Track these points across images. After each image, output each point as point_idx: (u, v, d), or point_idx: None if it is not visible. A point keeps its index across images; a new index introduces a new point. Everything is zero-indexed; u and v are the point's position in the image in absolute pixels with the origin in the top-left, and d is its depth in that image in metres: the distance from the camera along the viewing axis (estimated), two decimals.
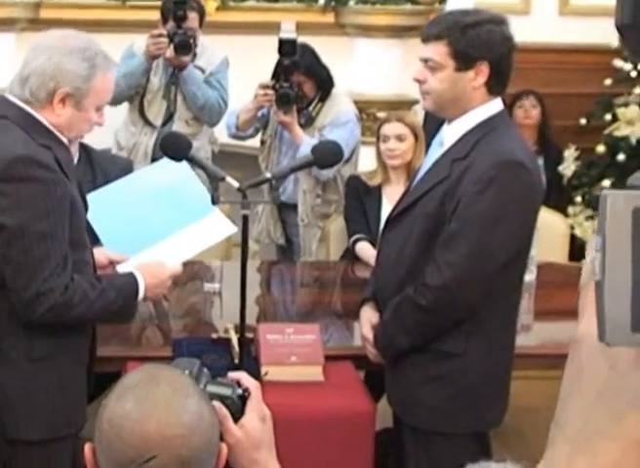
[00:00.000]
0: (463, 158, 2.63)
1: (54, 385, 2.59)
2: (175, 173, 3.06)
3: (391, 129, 4.10)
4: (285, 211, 4.63)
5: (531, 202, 2.69)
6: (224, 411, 1.59)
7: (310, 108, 4.47)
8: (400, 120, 4.13)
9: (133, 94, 4.66)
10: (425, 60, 2.68)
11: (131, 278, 2.68)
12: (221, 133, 4.77)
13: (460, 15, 2.69)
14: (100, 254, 2.82)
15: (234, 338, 2.96)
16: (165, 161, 3.05)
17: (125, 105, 4.78)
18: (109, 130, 4.78)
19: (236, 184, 2.67)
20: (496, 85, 2.67)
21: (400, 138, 4.08)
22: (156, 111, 4.68)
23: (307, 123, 4.44)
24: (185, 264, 2.96)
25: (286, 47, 4.28)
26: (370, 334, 2.86)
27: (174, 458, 1.38)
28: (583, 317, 0.78)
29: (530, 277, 3.63)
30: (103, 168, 3.83)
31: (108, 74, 2.61)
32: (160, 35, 4.51)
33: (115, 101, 4.73)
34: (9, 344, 2.56)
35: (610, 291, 0.71)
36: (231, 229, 3.06)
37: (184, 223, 2.96)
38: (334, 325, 3.55)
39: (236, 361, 2.91)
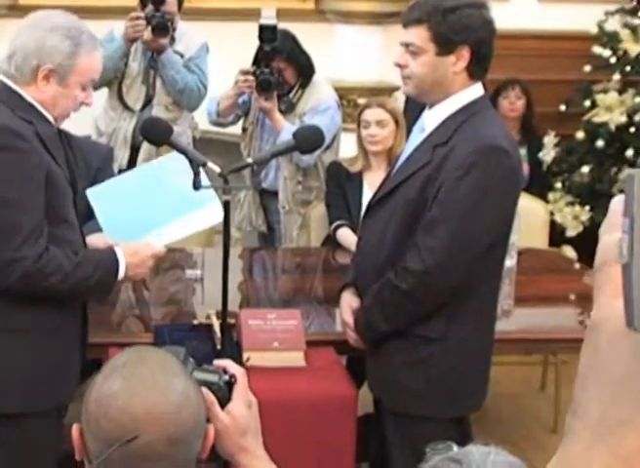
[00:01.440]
0: (445, 143, 2.64)
1: (29, 358, 2.59)
2: (178, 166, 3.07)
3: (372, 114, 4.10)
4: (266, 197, 4.63)
5: (511, 187, 2.70)
6: (212, 397, 1.59)
7: (291, 95, 4.47)
8: (381, 106, 4.13)
9: (112, 78, 4.65)
10: (406, 45, 2.68)
11: (110, 254, 2.68)
12: (202, 119, 4.76)
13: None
14: (100, 241, 2.83)
15: (216, 324, 2.96)
16: (169, 157, 3.07)
17: (104, 91, 4.76)
18: (89, 116, 4.77)
19: (218, 170, 2.66)
20: (476, 69, 2.68)
21: (381, 124, 4.09)
22: (135, 96, 4.68)
23: (288, 110, 4.44)
24: (167, 251, 2.95)
25: (266, 33, 4.27)
26: (350, 319, 2.87)
27: (161, 436, 1.38)
28: (599, 301, 0.74)
29: (510, 262, 3.65)
30: (83, 154, 3.82)
31: (94, 53, 2.62)
32: (138, 18, 4.52)
33: (94, 86, 4.71)
34: None
35: (639, 273, 0.68)
36: (218, 218, 3.06)
37: (184, 212, 2.96)
38: (315, 310, 3.55)
39: (218, 347, 2.91)
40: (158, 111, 4.62)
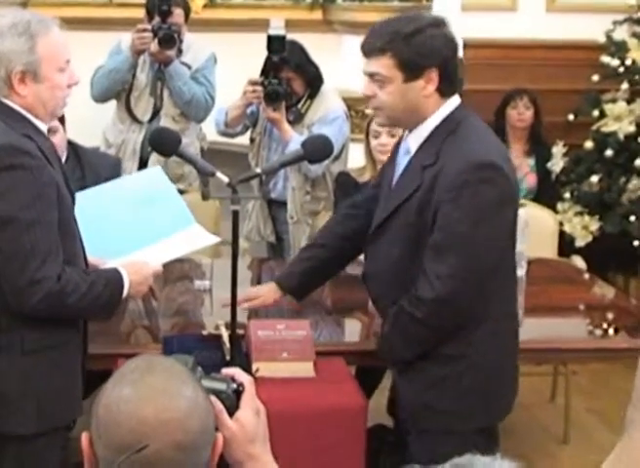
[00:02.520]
0: (433, 164, 2.60)
1: (46, 379, 2.58)
2: (155, 183, 3.07)
3: None
4: (275, 208, 4.63)
5: (506, 199, 2.64)
6: (220, 406, 1.59)
7: (299, 105, 4.47)
8: None
9: (119, 90, 4.66)
10: (371, 75, 2.63)
11: (116, 273, 2.67)
12: (210, 130, 4.76)
13: (400, 23, 2.61)
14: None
15: (225, 335, 2.96)
16: (146, 172, 3.06)
17: (113, 103, 4.77)
18: (98, 128, 4.79)
19: (226, 179, 2.66)
20: (446, 88, 2.62)
21: (392, 134, 4.08)
22: (143, 108, 4.69)
23: (296, 120, 4.44)
24: (175, 262, 2.96)
25: (275, 43, 4.28)
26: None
27: (169, 443, 1.38)
28: None
29: (520, 272, 3.63)
30: (92, 166, 3.84)
31: (50, 34, 2.53)
32: (144, 30, 4.54)
33: (103, 98, 4.74)
34: (1, 338, 2.55)
35: None
36: (213, 239, 3.06)
37: (163, 234, 2.95)
38: (324, 321, 3.55)
39: (227, 357, 2.91)
40: (165, 122, 4.63)
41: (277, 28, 4.31)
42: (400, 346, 2.72)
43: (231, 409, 1.62)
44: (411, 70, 2.57)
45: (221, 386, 1.62)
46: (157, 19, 4.55)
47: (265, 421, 1.67)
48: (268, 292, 3.11)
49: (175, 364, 1.49)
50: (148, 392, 1.41)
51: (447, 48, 2.60)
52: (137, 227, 2.94)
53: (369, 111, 4.44)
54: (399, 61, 2.57)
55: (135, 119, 4.67)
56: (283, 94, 4.29)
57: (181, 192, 4.17)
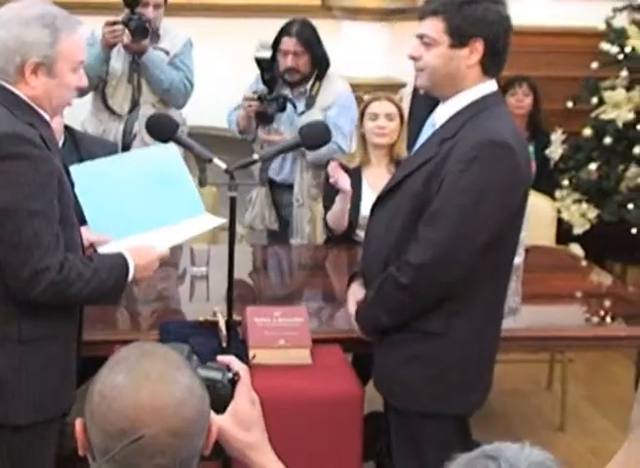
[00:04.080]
0: (451, 138, 2.62)
1: (42, 369, 2.56)
2: (168, 162, 2.99)
3: (381, 107, 4.10)
4: (279, 192, 4.65)
5: (514, 183, 2.64)
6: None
7: (308, 86, 4.53)
8: (389, 99, 4.15)
9: (96, 83, 4.63)
10: (421, 37, 2.66)
11: (121, 259, 2.65)
12: (190, 114, 4.76)
13: None
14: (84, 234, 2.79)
15: (222, 321, 2.95)
16: (160, 148, 3.00)
17: (89, 94, 4.74)
18: (77, 120, 4.73)
19: (224, 166, 2.65)
20: (490, 65, 2.65)
21: (389, 117, 4.10)
22: (121, 97, 4.67)
23: (309, 105, 4.50)
24: (172, 248, 2.94)
25: (263, 64, 4.49)
26: (353, 310, 2.87)
27: (164, 429, 1.37)
28: None
29: (517, 260, 3.62)
30: (89, 150, 3.82)
31: (74, 33, 2.54)
32: (115, 23, 4.49)
33: (78, 93, 4.70)
34: None
35: None
36: (219, 221, 3.01)
37: (171, 220, 2.89)
38: (321, 308, 3.54)
39: (224, 344, 2.90)
40: (145, 110, 4.59)
41: (263, 50, 4.46)
42: (381, 312, 2.72)
43: (227, 399, 1.62)
44: (458, 37, 2.61)
45: (217, 375, 1.62)
46: (126, 11, 4.50)
47: (260, 410, 1.67)
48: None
49: (170, 351, 1.49)
50: (143, 379, 1.40)
51: (498, 24, 2.63)
52: (145, 208, 2.87)
53: (366, 97, 4.43)
54: (448, 26, 2.61)
55: (112, 111, 4.64)
56: (273, 114, 4.47)
57: None
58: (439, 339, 2.67)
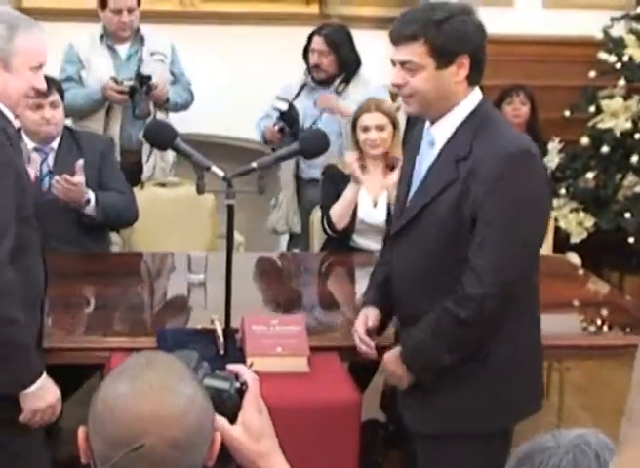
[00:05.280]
0: (466, 157, 2.55)
1: None
2: None
3: (372, 119, 4.13)
4: (309, 187, 4.81)
5: (545, 185, 2.63)
6: (221, 423, 1.58)
7: (334, 86, 4.74)
8: (379, 110, 4.16)
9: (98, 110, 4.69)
10: (402, 63, 2.58)
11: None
12: (188, 122, 4.79)
13: (429, 10, 2.57)
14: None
15: (219, 329, 2.95)
16: None
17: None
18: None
19: (221, 173, 2.65)
20: (475, 75, 2.60)
21: (381, 128, 4.13)
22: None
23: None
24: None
25: (282, 116, 4.66)
26: (361, 328, 2.88)
27: (165, 439, 1.37)
28: None
29: None
30: (89, 142, 4.03)
31: (32, 34, 2.56)
32: (121, 92, 4.53)
33: (78, 116, 4.74)
34: None
35: None
36: None
37: None
38: (319, 316, 3.54)
39: (221, 352, 2.90)
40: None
41: (280, 102, 4.67)
42: (441, 351, 2.60)
43: (234, 409, 1.60)
44: (443, 57, 2.54)
45: (224, 385, 1.60)
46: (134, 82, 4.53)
47: (269, 418, 1.66)
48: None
49: (174, 361, 1.48)
50: (146, 388, 1.40)
51: (477, 34, 2.58)
52: None
53: (355, 108, 4.45)
54: (432, 48, 2.53)
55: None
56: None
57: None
58: (476, 363, 2.61)
